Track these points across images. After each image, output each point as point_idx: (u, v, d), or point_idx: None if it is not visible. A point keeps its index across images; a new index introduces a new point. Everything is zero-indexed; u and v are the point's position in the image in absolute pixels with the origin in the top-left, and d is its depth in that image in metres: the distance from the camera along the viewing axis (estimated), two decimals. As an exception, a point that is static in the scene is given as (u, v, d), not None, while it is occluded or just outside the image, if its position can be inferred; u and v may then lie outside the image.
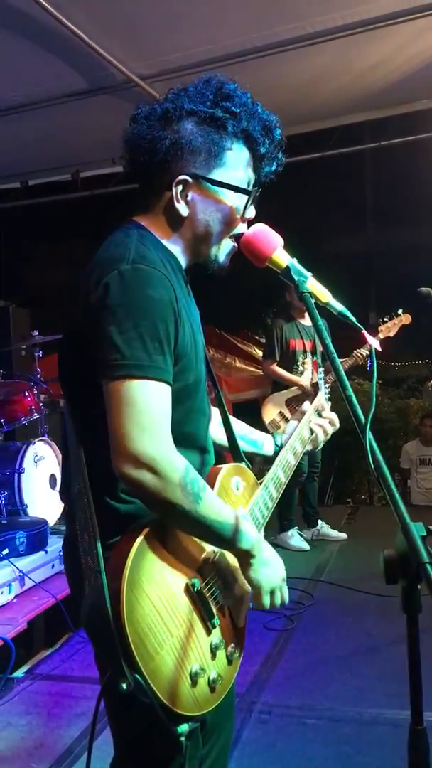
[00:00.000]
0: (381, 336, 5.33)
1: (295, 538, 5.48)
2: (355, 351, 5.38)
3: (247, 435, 1.83)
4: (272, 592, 1.48)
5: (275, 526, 5.53)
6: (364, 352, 5.34)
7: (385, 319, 5.43)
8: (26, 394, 5.11)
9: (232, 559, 1.48)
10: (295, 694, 3.17)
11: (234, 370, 8.84)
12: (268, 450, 1.84)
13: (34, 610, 3.64)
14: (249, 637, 3.74)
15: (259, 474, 1.72)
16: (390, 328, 5.39)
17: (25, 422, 5.14)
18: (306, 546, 5.45)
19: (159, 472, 1.26)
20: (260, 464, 1.83)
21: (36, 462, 4.88)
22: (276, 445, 1.84)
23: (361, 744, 2.73)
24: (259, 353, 8.26)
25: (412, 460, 7.74)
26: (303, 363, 5.45)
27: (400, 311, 5.42)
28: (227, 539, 1.39)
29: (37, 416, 5.17)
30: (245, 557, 1.43)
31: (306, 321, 5.53)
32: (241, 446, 1.76)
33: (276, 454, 1.80)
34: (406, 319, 5.41)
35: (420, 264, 12.73)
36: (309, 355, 5.49)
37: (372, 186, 17.39)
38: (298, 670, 3.42)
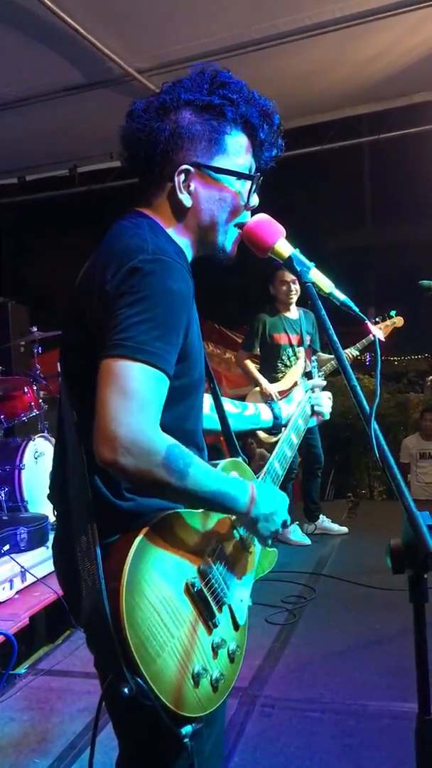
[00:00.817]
0: (371, 338, 5.33)
1: (296, 533, 5.47)
2: (345, 350, 5.36)
3: (241, 414, 1.82)
4: (272, 534, 1.50)
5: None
6: (354, 352, 5.33)
7: (378, 320, 5.41)
8: (25, 390, 5.10)
9: (232, 556, 1.48)
10: (297, 687, 3.17)
11: (233, 365, 8.83)
12: (267, 418, 1.85)
13: (36, 606, 3.63)
14: (251, 632, 3.73)
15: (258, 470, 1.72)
16: (383, 329, 5.38)
17: (24, 419, 5.13)
18: (307, 540, 5.44)
19: (139, 455, 1.21)
20: (258, 462, 1.84)
21: (36, 458, 4.87)
22: (274, 412, 1.85)
23: (365, 737, 2.73)
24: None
25: (412, 454, 7.74)
26: (297, 354, 5.41)
27: (393, 313, 5.39)
28: (226, 507, 1.39)
29: (37, 412, 5.17)
30: (245, 518, 1.43)
31: (292, 315, 5.48)
32: (239, 426, 1.77)
33: (276, 425, 1.82)
34: (399, 321, 5.39)
35: (420, 258, 12.74)
36: (296, 348, 5.45)
37: (371, 180, 17.38)
38: (301, 663, 3.41)
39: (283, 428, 1.84)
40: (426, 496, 7.51)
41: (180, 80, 1.48)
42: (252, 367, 5.44)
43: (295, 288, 5.29)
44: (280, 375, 5.39)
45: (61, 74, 5.01)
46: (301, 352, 5.39)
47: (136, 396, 1.23)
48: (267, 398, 5.17)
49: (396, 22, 4.69)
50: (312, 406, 1.91)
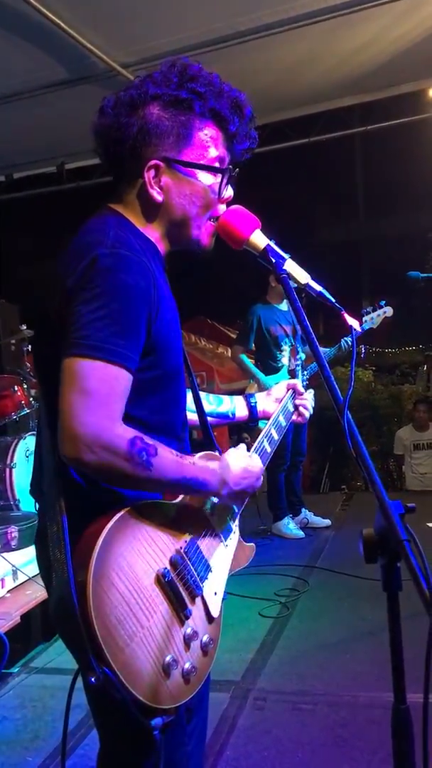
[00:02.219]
0: (365, 327, 5.32)
1: (289, 527, 5.47)
2: (342, 340, 5.36)
3: (217, 410, 1.83)
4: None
5: (269, 516, 5.55)
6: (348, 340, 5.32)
7: (369, 310, 5.41)
8: (16, 389, 5.09)
9: (205, 547, 1.47)
10: (290, 680, 3.17)
11: (226, 360, 8.83)
12: (242, 413, 1.85)
13: (28, 604, 3.62)
14: (244, 625, 3.75)
15: None
16: (374, 320, 5.37)
17: (15, 417, 5.12)
18: (301, 533, 5.45)
19: (101, 450, 1.23)
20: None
21: (27, 456, 4.86)
22: (250, 405, 1.85)
23: (356, 728, 2.74)
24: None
25: (405, 445, 7.76)
26: (284, 346, 5.40)
27: (383, 303, 5.39)
28: (194, 491, 1.42)
29: (28, 411, 5.15)
30: (218, 497, 1.47)
31: (284, 306, 5.49)
32: (215, 421, 1.78)
33: (252, 419, 1.84)
34: (389, 311, 5.39)
35: (412, 250, 12.76)
36: (289, 339, 5.45)
37: (362, 172, 17.36)
38: (294, 656, 3.42)
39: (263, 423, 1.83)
40: (420, 487, 7.53)
41: (150, 74, 1.47)
42: (248, 362, 5.43)
43: None
44: (280, 366, 5.38)
45: (46, 70, 4.98)
46: (286, 349, 5.38)
47: (95, 394, 1.25)
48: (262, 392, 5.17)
49: (382, 12, 4.67)
50: (295, 406, 1.89)
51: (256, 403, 1.85)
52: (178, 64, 1.46)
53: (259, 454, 1.66)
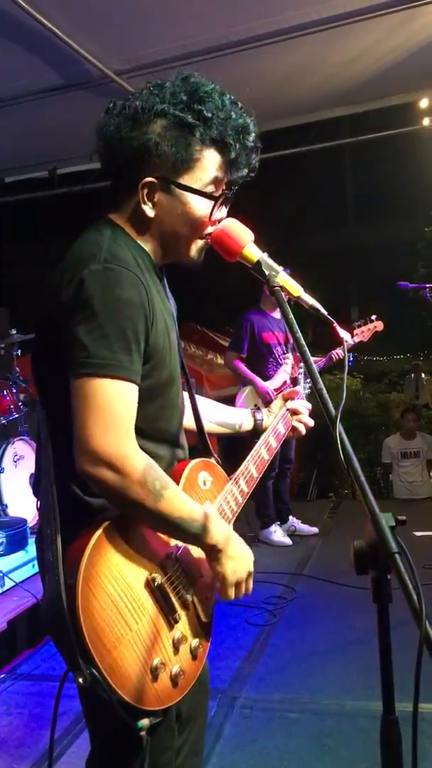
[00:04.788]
0: (355, 339, 5.37)
1: (277, 534, 5.48)
2: (330, 352, 5.39)
3: (225, 420, 1.85)
4: (237, 585, 1.47)
5: (257, 523, 5.55)
6: (341, 352, 5.36)
7: (359, 323, 5.46)
8: (5, 393, 5.07)
9: (197, 553, 1.48)
10: (277, 688, 3.18)
11: (216, 367, 8.83)
12: (248, 426, 1.87)
13: (15, 611, 3.61)
14: (231, 633, 3.74)
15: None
16: (364, 333, 5.43)
17: (4, 422, 5.09)
18: (288, 541, 5.46)
19: (119, 470, 1.27)
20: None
21: (15, 461, 4.84)
22: (255, 420, 1.87)
23: (343, 736, 2.74)
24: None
25: (393, 454, 7.79)
26: (285, 357, 5.43)
27: (373, 317, 5.45)
28: (192, 535, 1.39)
29: (17, 415, 5.14)
30: (212, 552, 1.43)
31: (277, 314, 5.52)
32: (220, 431, 1.79)
33: (256, 429, 1.83)
34: (379, 325, 5.45)
35: (401, 259, 12.85)
36: (282, 346, 5.48)
37: (352, 181, 17.49)
38: (281, 664, 3.42)
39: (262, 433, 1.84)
40: (408, 495, 7.56)
41: (161, 85, 1.46)
42: (244, 367, 5.44)
43: None
44: (271, 373, 5.40)
45: (39, 76, 4.98)
46: (289, 357, 5.40)
47: (108, 411, 1.29)
48: (263, 396, 5.18)
49: (373, 24, 4.71)
50: (293, 428, 1.89)
51: (262, 419, 1.87)
52: (192, 80, 1.45)
53: (245, 480, 1.68)
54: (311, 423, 1.91)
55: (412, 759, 1.08)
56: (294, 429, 1.89)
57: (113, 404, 1.29)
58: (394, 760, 1.09)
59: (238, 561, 1.46)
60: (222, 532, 1.43)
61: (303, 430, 1.90)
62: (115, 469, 1.27)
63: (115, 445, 1.27)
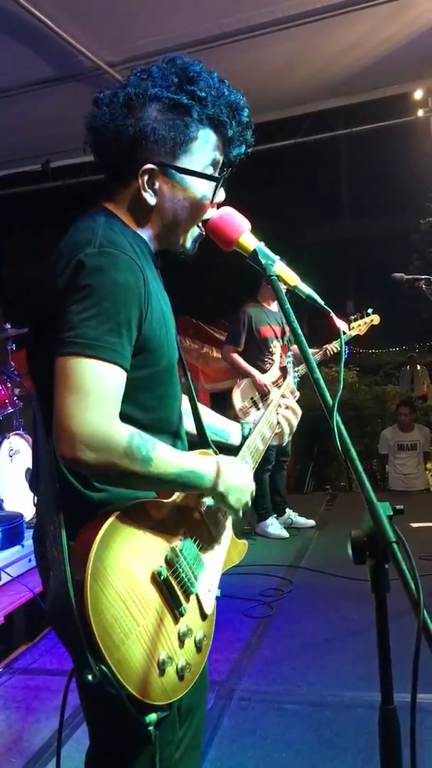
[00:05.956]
0: (352, 333, 5.37)
1: (273, 527, 5.49)
2: (325, 345, 5.39)
3: (213, 425, 1.80)
4: (242, 507, 1.51)
5: (254, 516, 5.55)
6: (336, 345, 5.36)
7: (356, 317, 5.47)
8: (0, 387, 5.04)
9: (198, 548, 1.48)
10: (274, 680, 3.18)
11: (211, 360, 8.82)
12: (235, 440, 1.82)
13: (11, 605, 3.60)
14: (228, 625, 3.74)
15: None
16: (360, 327, 5.43)
17: (-1, 416, 5.08)
18: (285, 534, 5.47)
19: (100, 448, 1.23)
20: None
21: (11, 456, 4.83)
22: (243, 435, 1.82)
23: (340, 727, 2.75)
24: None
25: (390, 445, 7.80)
26: (273, 347, 5.43)
27: (370, 311, 5.46)
28: (194, 486, 1.39)
29: (12, 410, 5.12)
30: (213, 493, 1.44)
31: (274, 307, 5.51)
32: (209, 436, 1.74)
33: (242, 444, 1.77)
34: (375, 319, 5.46)
35: (396, 251, 12.85)
36: (279, 340, 5.48)
37: (347, 173, 17.47)
38: (278, 656, 3.43)
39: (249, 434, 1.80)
40: (403, 487, 7.58)
41: (149, 70, 1.43)
42: (241, 360, 5.43)
43: None
44: (268, 366, 5.39)
45: (31, 68, 4.95)
46: (277, 347, 5.40)
47: (90, 392, 1.24)
48: (260, 389, 5.18)
49: (367, 14, 4.70)
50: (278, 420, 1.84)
51: (250, 432, 1.81)
52: (178, 61, 1.43)
53: (251, 454, 1.68)
54: (293, 425, 1.86)
55: (411, 749, 1.08)
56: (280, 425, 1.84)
57: (94, 385, 1.24)
58: (393, 749, 1.08)
59: (239, 491, 1.47)
60: (212, 472, 1.42)
61: (286, 430, 1.85)
62: (96, 449, 1.22)
63: (94, 425, 1.22)
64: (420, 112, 6.51)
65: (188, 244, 1.53)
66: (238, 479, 1.47)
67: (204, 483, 1.40)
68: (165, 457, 1.33)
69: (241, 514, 1.52)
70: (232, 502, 1.46)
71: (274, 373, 5.31)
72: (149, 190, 1.43)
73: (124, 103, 1.40)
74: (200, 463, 1.41)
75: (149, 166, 1.41)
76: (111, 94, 1.43)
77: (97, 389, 1.25)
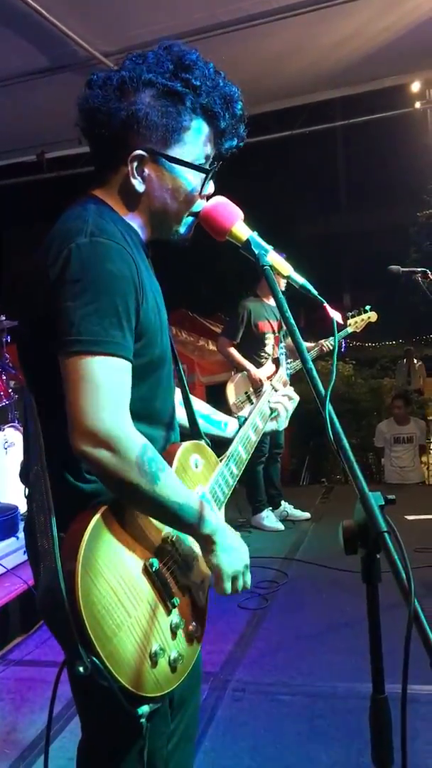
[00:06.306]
0: (348, 330, 5.37)
1: (269, 519, 5.49)
2: (321, 341, 5.38)
3: (210, 416, 1.80)
4: (234, 579, 1.44)
5: (249, 508, 5.56)
6: (331, 342, 5.35)
7: (353, 314, 5.46)
8: (-5, 379, 5.03)
9: (192, 540, 1.46)
10: (269, 671, 3.19)
11: (207, 353, 8.82)
12: (231, 431, 1.80)
13: (6, 597, 3.60)
14: (223, 617, 3.73)
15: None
16: (357, 324, 5.42)
17: (-6, 408, 5.06)
18: (280, 526, 5.47)
19: (116, 449, 1.24)
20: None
21: (6, 448, 4.81)
22: (240, 426, 1.80)
23: (335, 718, 2.75)
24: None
25: (386, 438, 7.81)
26: (267, 340, 5.42)
27: (368, 308, 5.45)
28: (187, 523, 1.36)
29: (7, 402, 5.10)
30: (206, 542, 1.40)
31: (272, 301, 5.50)
32: (204, 427, 1.73)
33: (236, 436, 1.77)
34: (373, 317, 5.46)
35: (393, 244, 12.83)
36: (275, 333, 5.47)
37: (344, 165, 17.41)
38: (272, 647, 3.43)
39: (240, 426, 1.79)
40: (399, 480, 7.60)
41: (144, 55, 1.41)
42: (237, 354, 5.42)
43: None
44: (264, 361, 5.38)
45: (25, 58, 4.92)
46: (269, 339, 5.39)
47: (104, 389, 1.25)
48: (254, 384, 5.17)
49: (364, 5, 4.68)
50: (271, 410, 1.84)
51: (244, 422, 1.81)
52: (175, 48, 1.41)
53: (235, 462, 1.67)
54: (288, 410, 1.86)
55: (401, 738, 1.08)
56: (272, 417, 1.84)
57: (107, 382, 1.25)
58: (383, 738, 1.08)
59: (234, 552, 1.43)
60: (216, 523, 1.40)
61: (282, 415, 1.84)
62: (112, 449, 1.23)
63: (111, 424, 1.23)
64: (417, 104, 6.48)
65: (181, 229, 1.51)
66: (236, 546, 1.44)
67: (202, 529, 1.37)
68: (171, 483, 1.32)
69: (228, 588, 1.43)
70: (222, 559, 1.40)
71: (269, 367, 5.29)
72: (138, 177, 1.41)
73: (117, 86, 1.39)
74: (206, 508, 1.38)
75: (139, 152, 1.39)
76: (105, 76, 1.41)
77: (109, 385, 1.25)
